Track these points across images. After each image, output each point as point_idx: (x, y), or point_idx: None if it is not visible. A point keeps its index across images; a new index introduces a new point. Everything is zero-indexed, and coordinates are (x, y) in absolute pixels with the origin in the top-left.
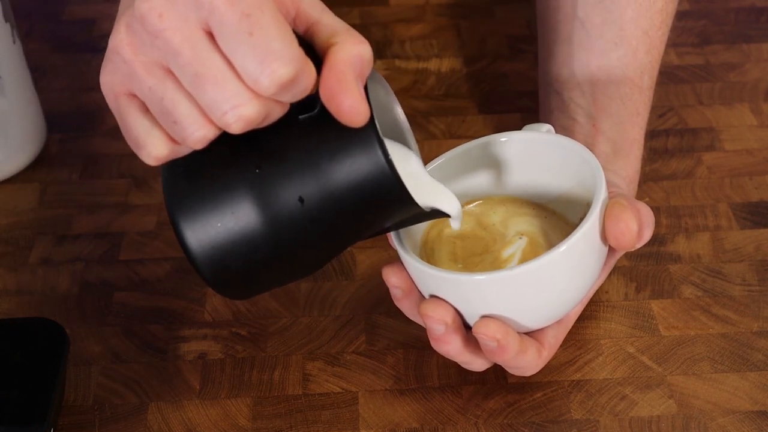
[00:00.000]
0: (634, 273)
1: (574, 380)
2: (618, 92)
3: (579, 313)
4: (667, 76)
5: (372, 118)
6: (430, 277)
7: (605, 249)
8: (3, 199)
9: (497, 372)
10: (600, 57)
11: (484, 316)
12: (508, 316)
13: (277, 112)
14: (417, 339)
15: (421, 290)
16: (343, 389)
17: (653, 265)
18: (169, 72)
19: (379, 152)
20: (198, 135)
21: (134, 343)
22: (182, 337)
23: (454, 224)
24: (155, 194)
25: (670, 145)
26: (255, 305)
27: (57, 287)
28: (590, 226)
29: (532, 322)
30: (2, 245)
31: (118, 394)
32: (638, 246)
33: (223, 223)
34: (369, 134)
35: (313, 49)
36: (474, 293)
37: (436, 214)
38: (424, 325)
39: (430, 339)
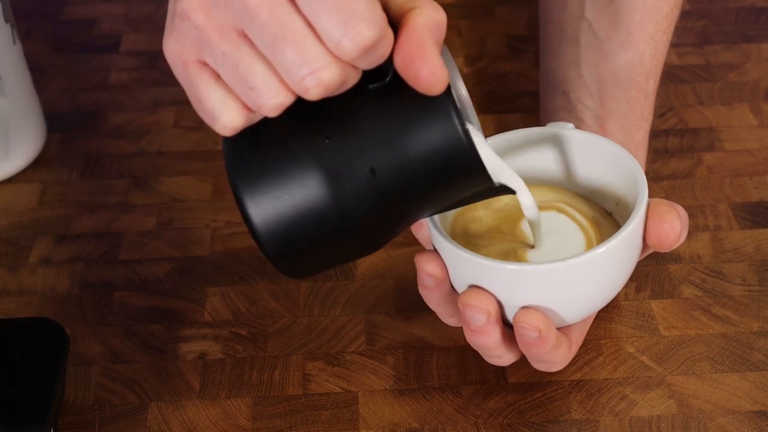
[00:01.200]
0: (634, 273)
1: (574, 380)
2: (625, 96)
3: (595, 314)
4: (667, 76)
5: (448, 87)
6: (473, 266)
7: (641, 248)
8: (3, 199)
9: (497, 372)
10: (608, 59)
11: (524, 307)
12: (550, 307)
13: (353, 79)
14: (417, 339)
15: (456, 280)
16: (343, 389)
17: (653, 265)
18: (245, 36)
19: (456, 121)
20: (275, 102)
21: (134, 343)
22: (182, 337)
23: (526, 201)
24: (155, 194)
25: (670, 145)
26: (255, 305)
27: (57, 287)
28: (639, 220)
29: (571, 315)
30: (2, 245)
31: (118, 394)
32: (675, 247)
33: (290, 195)
34: (445, 103)
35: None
36: (521, 282)
37: (503, 190)
38: (445, 320)
39: (466, 331)
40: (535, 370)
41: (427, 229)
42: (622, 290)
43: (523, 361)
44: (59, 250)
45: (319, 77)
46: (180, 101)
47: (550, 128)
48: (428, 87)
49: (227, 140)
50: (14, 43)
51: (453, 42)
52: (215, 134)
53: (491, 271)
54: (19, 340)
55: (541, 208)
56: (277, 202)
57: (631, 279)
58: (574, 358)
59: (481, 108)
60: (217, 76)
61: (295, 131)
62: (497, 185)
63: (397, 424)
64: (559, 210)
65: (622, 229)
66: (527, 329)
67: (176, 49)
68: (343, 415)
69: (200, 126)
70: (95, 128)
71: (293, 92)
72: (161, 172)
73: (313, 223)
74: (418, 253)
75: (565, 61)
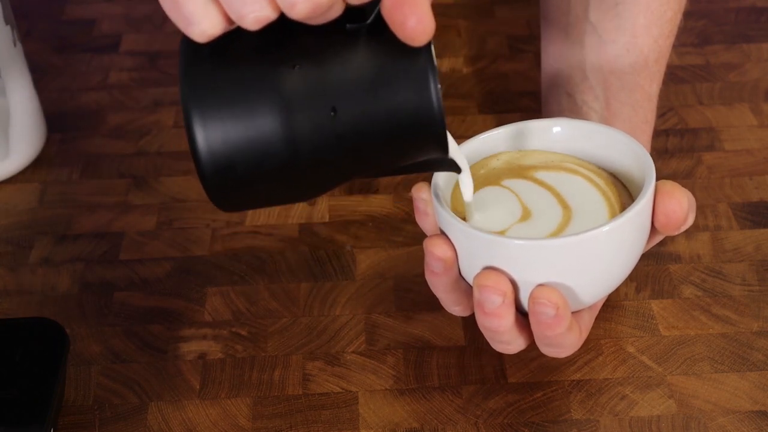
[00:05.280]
0: (634, 273)
1: (574, 380)
2: (629, 99)
3: (603, 301)
4: (667, 76)
5: (429, 43)
6: (489, 245)
7: (650, 227)
8: (3, 199)
9: (497, 372)
10: (613, 62)
11: (540, 285)
12: (566, 283)
13: (337, 10)
14: (417, 339)
15: (467, 263)
16: (343, 389)
17: (653, 265)
18: None
19: (431, 79)
20: (259, 15)
21: (134, 343)
22: (182, 337)
23: (467, 181)
24: (155, 194)
25: (670, 145)
26: (255, 305)
27: (57, 287)
28: (652, 191)
29: (586, 294)
30: (2, 245)
31: (118, 394)
32: (682, 230)
33: (242, 116)
34: (424, 57)
35: None
36: (539, 258)
37: (449, 166)
38: (450, 308)
39: (479, 314)
40: (535, 369)
41: (432, 216)
42: (622, 290)
43: (523, 361)
44: (59, 250)
45: None
46: (180, 101)
47: (556, 119)
48: (412, 36)
49: (188, 45)
50: (14, 45)
51: (453, 42)
52: None
53: (507, 249)
54: (19, 340)
55: (552, 167)
56: (226, 120)
57: (631, 279)
58: (573, 358)
59: (482, 108)
60: None
61: (263, 51)
62: (448, 159)
63: (397, 424)
64: (574, 172)
65: (641, 195)
66: (545, 305)
67: None
68: (343, 415)
69: None
70: (95, 128)
71: (278, 7)
72: (161, 172)
73: (261, 152)
74: (427, 238)
75: (569, 64)
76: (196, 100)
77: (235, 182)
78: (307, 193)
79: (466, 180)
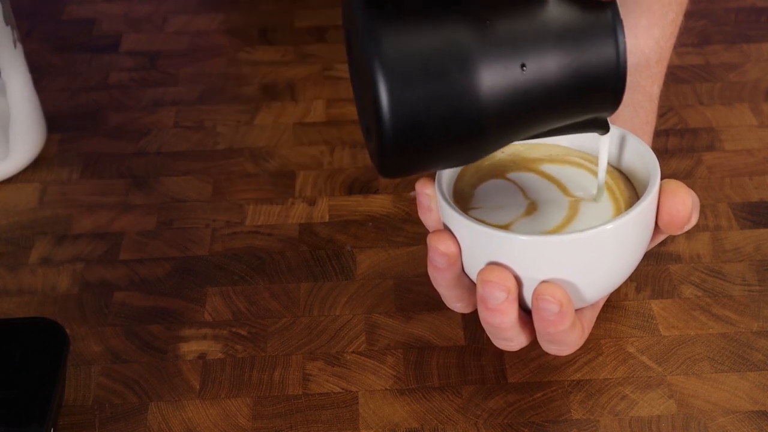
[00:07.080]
0: (634, 273)
1: (574, 380)
2: (631, 100)
3: (605, 300)
4: (668, 76)
5: (615, 1)
6: (493, 240)
7: (653, 227)
8: (3, 199)
9: (497, 372)
10: None
11: (544, 281)
12: (570, 280)
13: None
14: (417, 339)
15: (471, 259)
16: (343, 389)
17: (653, 265)
18: None
19: (619, 34)
20: None
21: (134, 343)
22: (182, 337)
23: (607, 141)
24: (155, 194)
25: (670, 145)
26: (255, 305)
27: (57, 287)
28: (658, 187)
29: (590, 292)
30: (2, 245)
31: (118, 394)
32: (685, 229)
33: (431, 75)
34: (612, 12)
35: None
36: (543, 254)
37: (602, 126)
38: (451, 305)
39: (482, 310)
40: (535, 369)
41: (436, 212)
42: (622, 290)
43: (523, 361)
44: (59, 250)
45: None
46: (180, 101)
47: None
48: None
49: (369, 1)
50: (15, 46)
51: None
52: (215, 134)
53: (511, 244)
54: (19, 340)
55: (558, 160)
56: (415, 77)
57: (631, 279)
58: (573, 358)
59: None
60: None
61: (451, 6)
62: (605, 119)
63: (397, 424)
64: (580, 165)
65: (646, 193)
66: (549, 302)
67: None
68: (343, 415)
69: (200, 126)
70: (95, 128)
71: None
72: (161, 172)
73: (449, 110)
74: (430, 233)
75: None
76: (382, 56)
77: (418, 142)
78: (480, 153)
79: (607, 140)
